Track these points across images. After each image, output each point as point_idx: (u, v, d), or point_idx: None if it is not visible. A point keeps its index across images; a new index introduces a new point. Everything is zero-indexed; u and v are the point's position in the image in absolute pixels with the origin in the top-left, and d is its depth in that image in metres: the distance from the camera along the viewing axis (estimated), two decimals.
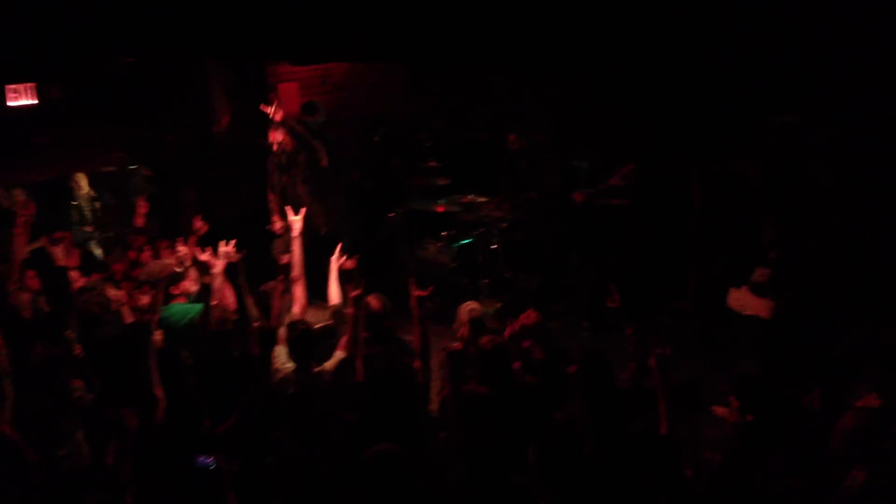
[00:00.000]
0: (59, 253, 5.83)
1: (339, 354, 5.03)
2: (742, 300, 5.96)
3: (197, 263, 6.19)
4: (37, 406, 4.39)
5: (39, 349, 4.58)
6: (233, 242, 5.73)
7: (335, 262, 5.92)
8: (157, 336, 5.40)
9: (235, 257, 5.48)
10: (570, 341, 7.13)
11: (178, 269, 6.17)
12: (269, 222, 7.82)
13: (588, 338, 7.65)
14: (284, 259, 5.51)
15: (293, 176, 7.69)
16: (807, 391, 5.00)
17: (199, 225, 6.23)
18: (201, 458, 3.70)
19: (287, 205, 7.24)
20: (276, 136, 7.59)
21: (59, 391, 4.48)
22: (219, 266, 5.67)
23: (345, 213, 8.02)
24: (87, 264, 7.38)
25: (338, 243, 6.10)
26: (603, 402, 4.44)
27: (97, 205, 8.45)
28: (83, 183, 8.42)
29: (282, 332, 5.17)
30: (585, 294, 8.17)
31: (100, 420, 4.48)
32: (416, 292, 4.93)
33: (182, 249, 6.30)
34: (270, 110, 7.37)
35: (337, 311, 5.73)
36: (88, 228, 8.56)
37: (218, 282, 5.76)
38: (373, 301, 5.37)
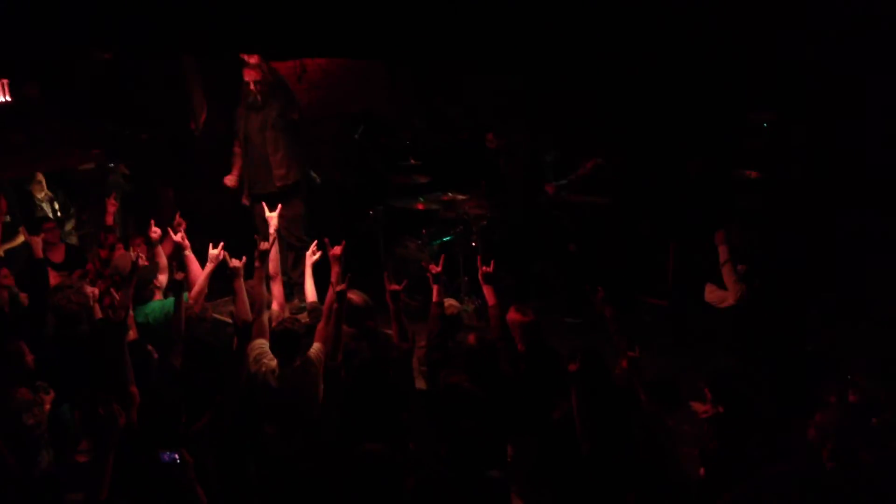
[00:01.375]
0: (38, 245, 5.77)
1: (317, 346, 5.02)
2: (717, 293, 6.00)
3: (174, 256, 6.16)
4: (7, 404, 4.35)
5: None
6: (220, 245, 5.72)
7: (309, 257, 5.90)
8: (132, 333, 5.39)
9: (237, 262, 5.44)
10: (556, 337, 7.16)
11: (145, 263, 6.11)
12: (249, 221, 7.80)
13: (574, 331, 7.66)
14: (263, 246, 5.48)
15: (264, 119, 7.61)
16: (783, 383, 5.06)
17: (178, 221, 6.21)
18: (166, 454, 3.67)
19: (251, 155, 7.46)
20: (252, 75, 7.50)
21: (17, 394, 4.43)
22: (207, 268, 5.72)
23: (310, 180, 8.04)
24: (72, 259, 7.35)
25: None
26: (602, 401, 4.47)
27: (55, 205, 8.38)
28: (43, 184, 8.34)
29: (263, 322, 5.15)
30: (566, 286, 8.18)
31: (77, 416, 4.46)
32: (391, 287, 4.94)
33: (155, 235, 6.26)
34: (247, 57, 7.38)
35: (314, 310, 5.71)
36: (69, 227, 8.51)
37: (194, 275, 5.77)
38: (354, 297, 5.37)
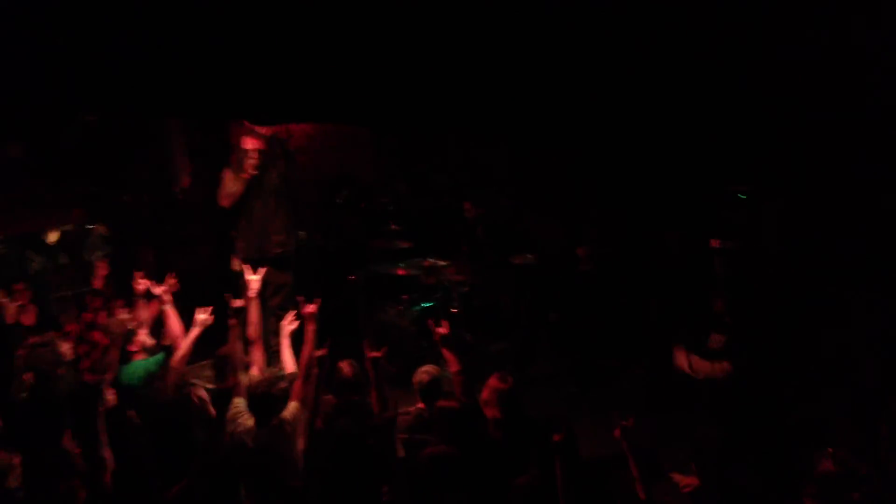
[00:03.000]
0: (11, 309, 5.69)
1: (294, 405, 4.97)
2: (694, 365, 5.98)
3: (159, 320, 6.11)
4: None
5: None
6: (209, 309, 5.68)
7: (286, 326, 5.82)
8: (111, 395, 5.30)
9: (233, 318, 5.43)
10: (552, 404, 7.14)
11: (132, 326, 6.08)
12: (231, 284, 7.75)
13: (573, 397, 7.68)
14: (236, 303, 5.44)
15: (263, 186, 7.56)
16: (767, 455, 5.03)
17: (173, 281, 6.19)
18: None
19: (248, 222, 7.41)
20: (254, 144, 7.44)
21: None
22: (193, 332, 5.66)
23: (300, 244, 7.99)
24: (43, 322, 7.23)
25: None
26: (581, 469, 4.44)
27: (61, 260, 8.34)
28: (53, 238, 8.32)
29: (240, 382, 5.08)
30: (570, 353, 8.21)
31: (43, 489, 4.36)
32: (370, 353, 4.90)
33: (141, 288, 6.22)
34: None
35: (286, 375, 5.61)
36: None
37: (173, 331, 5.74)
38: (345, 368, 5.30)
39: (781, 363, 6.08)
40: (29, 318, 7.15)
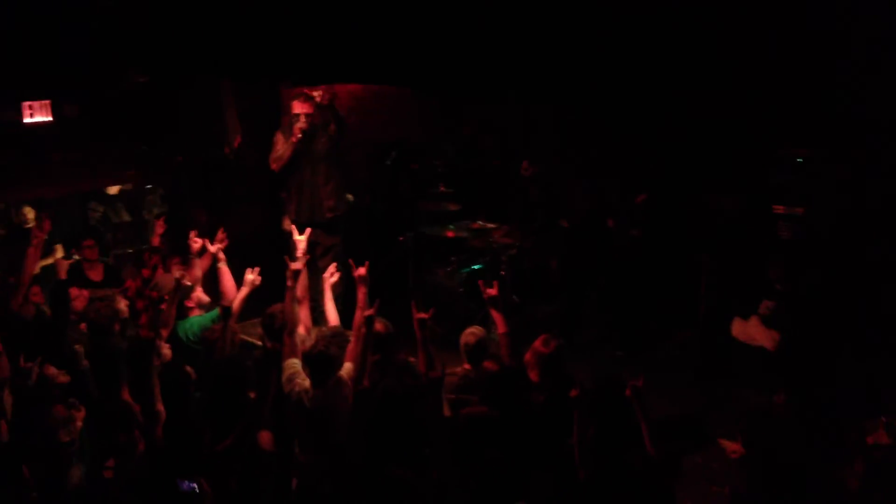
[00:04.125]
0: (63, 268, 5.87)
1: (348, 365, 5.02)
2: (748, 331, 5.89)
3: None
4: (34, 422, 4.40)
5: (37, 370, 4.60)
6: (257, 270, 5.80)
7: (328, 279, 5.90)
8: (167, 350, 5.44)
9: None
10: (599, 368, 7.12)
11: (187, 283, 6.21)
12: (281, 245, 7.84)
13: (621, 362, 7.61)
14: (293, 265, 5.50)
15: (313, 151, 7.59)
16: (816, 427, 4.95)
17: (221, 236, 6.31)
18: (185, 483, 3.67)
19: (300, 185, 7.51)
20: (304, 107, 7.42)
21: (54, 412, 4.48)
22: (243, 292, 5.80)
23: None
24: (110, 277, 7.44)
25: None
26: (608, 429, 4.42)
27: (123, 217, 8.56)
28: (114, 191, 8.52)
29: (295, 342, 5.14)
30: (617, 318, 8.17)
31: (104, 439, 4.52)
32: (417, 315, 4.91)
33: (196, 245, 6.42)
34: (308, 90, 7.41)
35: (338, 334, 5.66)
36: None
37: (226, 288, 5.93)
38: (378, 325, 5.34)
39: (834, 331, 5.95)
40: (96, 275, 7.36)
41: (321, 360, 4.89)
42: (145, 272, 7.05)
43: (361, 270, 5.42)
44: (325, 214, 7.68)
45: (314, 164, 7.64)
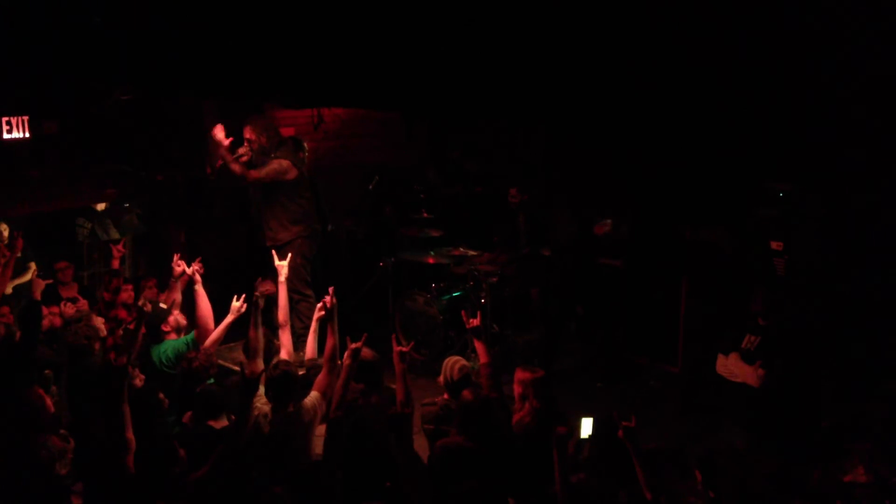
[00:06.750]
0: (39, 288, 5.77)
1: (315, 394, 5.00)
2: (730, 367, 5.86)
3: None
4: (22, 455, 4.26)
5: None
6: (243, 297, 5.77)
7: (316, 312, 5.79)
8: (138, 376, 5.34)
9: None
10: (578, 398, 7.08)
11: (163, 306, 6.13)
12: (259, 266, 7.74)
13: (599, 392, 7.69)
14: (261, 287, 5.47)
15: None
16: (794, 467, 4.92)
17: (197, 267, 6.22)
18: None
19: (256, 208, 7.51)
20: (247, 132, 7.36)
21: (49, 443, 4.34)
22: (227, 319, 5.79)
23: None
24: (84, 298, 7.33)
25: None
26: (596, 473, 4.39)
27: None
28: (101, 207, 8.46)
29: (259, 366, 5.09)
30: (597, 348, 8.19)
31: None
32: (398, 347, 4.86)
33: (178, 269, 6.38)
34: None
35: (313, 366, 5.60)
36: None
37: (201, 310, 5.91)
38: (365, 352, 5.28)
39: (815, 370, 5.95)
40: (72, 292, 7.26)
41: (283, 381, 4.84)
42: (106, 295, 6.93)
43: (330, 300, 5.35)
44: (266, 241, 7.47)
45: (265, 189, 7.49)
